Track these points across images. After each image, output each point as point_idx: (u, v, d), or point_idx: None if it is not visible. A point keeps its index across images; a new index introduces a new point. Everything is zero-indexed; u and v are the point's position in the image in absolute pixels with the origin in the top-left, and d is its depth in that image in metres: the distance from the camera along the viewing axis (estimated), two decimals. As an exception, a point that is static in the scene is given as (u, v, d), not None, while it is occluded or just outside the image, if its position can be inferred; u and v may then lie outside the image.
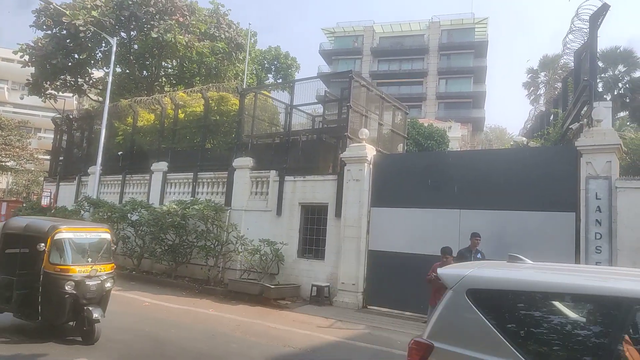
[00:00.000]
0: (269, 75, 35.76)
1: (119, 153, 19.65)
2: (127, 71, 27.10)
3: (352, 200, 12.21)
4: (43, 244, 7.09)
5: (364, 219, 12.07)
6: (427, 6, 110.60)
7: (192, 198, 15.28)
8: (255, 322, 9.69)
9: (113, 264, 8.05)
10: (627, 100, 30.25)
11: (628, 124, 30.52)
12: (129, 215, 15.50)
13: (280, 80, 33.16)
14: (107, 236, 8.07)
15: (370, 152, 12.37)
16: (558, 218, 9.75)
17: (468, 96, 52.59)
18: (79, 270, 7.25)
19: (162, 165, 17.24)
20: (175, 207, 14.15)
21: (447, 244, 9.45)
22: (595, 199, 9.20)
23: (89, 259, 7.59)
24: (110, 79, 20.17)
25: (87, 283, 7.24)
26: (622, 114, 31.14)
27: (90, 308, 7.16)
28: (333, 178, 13.04)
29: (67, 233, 7.47)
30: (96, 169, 18.61)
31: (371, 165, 12.32)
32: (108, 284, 7.67)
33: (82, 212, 17.33)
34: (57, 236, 7.29)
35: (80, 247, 7.68)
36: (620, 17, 62.77)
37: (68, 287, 7.06)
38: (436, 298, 7.41)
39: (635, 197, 8.85)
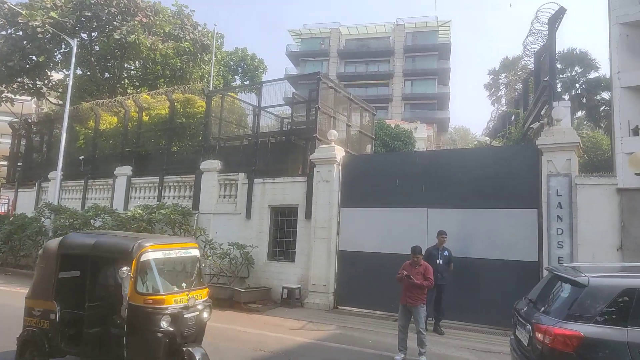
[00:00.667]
0: (235, 77, 35.40)
1: (81, 158, 19.03)
2: (89, 73, 26.29)
3: (322, 202, 12.23)
4: (127, 268, 5.43)
5: (334, 220, 12.11)
6: (392, 9, 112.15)
7: (158, 202, 14.96)
8: (226, 327, 9.55)
9: (207, 288, 6.50)
10: (584, 101, 31.47)
11: (585, 123, 31.82)
12: (91, 221, 15.05)
13: (247, 82, 32.87)
14: (197, 253, 6.54)
15: (339, 153, 12.42)
16: (521, 215, 10.03)
17: (433, 97, 53.59)
18: (175, 301, 5.65)
19: (126, 170, 16.80)
20: (141, 212, 13.83)
21: (415, 243, 9.54)
22: (556, 196, 9.52)
23: (184, 285, 6.07)
24: (70, 81, 19.53)
25: (185, 316, 5.69)
26: (579, 113, 32.40)
27: (190, 349, 5.69)
28: (303, 179, 13.02)
29: (155, 252, 5.80)
30: (57, 175, 17.98)
31: (340, 166, 12.36)
32: (205, 315, 6.11)
33: (43, 219, 16.69)
34: (145, 257, 5.64)
35: (172, 269, 6.26)
36: (576, 20, 65.31)
37: (164, 324, 5.49)
38: (406, 296, 7.50)
39: (594, 193, 9.22)
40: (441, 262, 9.49)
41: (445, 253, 9.72)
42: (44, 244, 7.41)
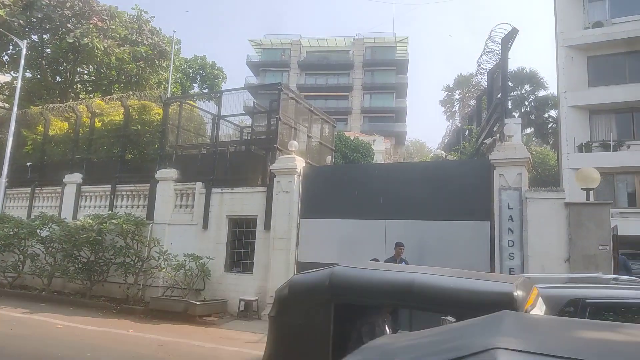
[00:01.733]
0: (194, 84, 34.90)
1: (28, 164, 18.09)
2: (39, 76, 25.15)
3: (282, 212, 12.15)
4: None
5: (294, 231, 12.04)
6: (351, 23, 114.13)
7: (109, 212, 14.39)
8: (180, 342, 9.25)
9: None
10: (533, 118, 33.01)
11: (534, 139, 33.35)
12: (38, 231, 14.29)
13: (206, 90, 32.43)
14: None
15: (300, 164, 12.41)
16: (475, 227, 10.33)
17: (391, 111, 54.75)
18: None
19: (76, 177, 16.11)
20: (91, 221, 13.25)
21: (374, 254, 9.70)
22: (507, 209, 9.87)
23: None
24: (19, 84, 18.63)
25: None
26: (528, 130, 33.93)
27: None
28: (262, 190, 12.90)
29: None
30: (1, 181, 17.02)
31: (301, 177, 12.34)
32: None
33: (-16, 228, 15.66)
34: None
35: None
36: (525, 41, 68.56)
37: None
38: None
39: (543, 206, 9.62)
40: None
41: (403, 264, 9.85)
42: (287, 281, 4.30)
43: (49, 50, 24.03)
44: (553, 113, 31.84)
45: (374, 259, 7.88)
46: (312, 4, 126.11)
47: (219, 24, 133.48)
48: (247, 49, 76.37)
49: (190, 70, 34.70)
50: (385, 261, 9.58)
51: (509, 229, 9.77)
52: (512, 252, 9.65)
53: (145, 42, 25.06)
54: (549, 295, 5.09)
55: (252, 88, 26.65)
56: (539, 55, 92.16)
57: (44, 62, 24.15)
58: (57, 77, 25.98)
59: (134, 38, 24.82)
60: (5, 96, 25.98)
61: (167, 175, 14.24)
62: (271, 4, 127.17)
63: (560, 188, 10.38)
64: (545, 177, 24.31)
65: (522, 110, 33.32)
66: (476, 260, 10.08)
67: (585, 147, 20.25)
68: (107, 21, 23.69)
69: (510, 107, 30.29)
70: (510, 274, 9.30)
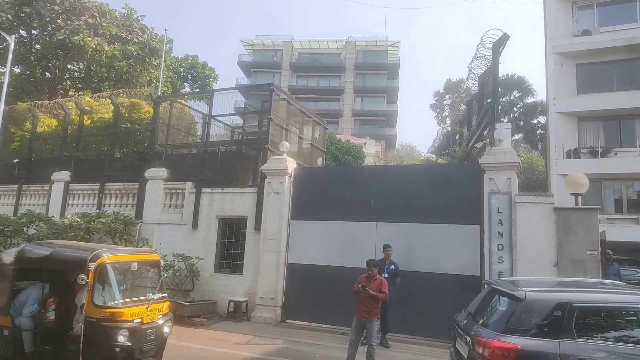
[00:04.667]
0: (185, 84, 34.70)
1: (15, 161, 17.83)
2: (28, 72, 24.85)
3: (273, 213, 12.11)
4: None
5: (284, 232, 12.00)
6: (343, 26, 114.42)
7: (98, 210, 14.24)
8: (168, 342, 9.14)
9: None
10: (521, 124, 33.35)
11: (522, 145, 33.66)
12: (24, 229, 14.08)
13: (197, 90, 32.27)
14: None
15: (291, 165, 12.38)
16: (464, 230, 10.38)
17: (382, 114, 54.93)
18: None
19: (64, 175, 15.92)
20: (79, 220, 13.10)
21: (364, 256, 9.65)
22: (497, 213, 9.94)
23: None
24: (6, 79, 18.33)
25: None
26: (516, 136, 34.25)
27: None
28: (253, 190, 12.85)
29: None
30: (-14, 178, 16.76)
31: (292, 178, 12.32)
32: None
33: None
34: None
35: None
36: (515, 47, 69.24)
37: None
38: (361, 310, 7.51)
39: (532, 211, 9.70)
40: (386, 275, 9.60)
41: (392, 267, 9.88)
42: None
43: (38, 46, 23.76)
44: (542, 119, 32.21)
45: (370, 260, 7.89)
46: (304, 7, 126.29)
47: (211, 24, 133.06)
48: (239, 50, 76.24)
49: (182, 70, 34.51)
50: (367, 262, 9.48)
51: (499, 232, 9.84)
52: (502, 255, 9.71)
53: (135, 40, 24.86)
54: (537, 298, 5.14)
55: (243, 88, 26.60)
56: (528, 61, 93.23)
57: (33, 58, 23.87)
58: (47, 74, 25.69)
59: (124, 36, 24.61)
60: (-8, 92, 25.60)
61: (156, 174, 14.13)
62: (264, 6, 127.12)
63: (548, 193, 10.46)
64: (534, 183, 24.56)
65: (511, 116, 33.66)
66: (466, 263, 10.14)
67: (573, 154, 20.49)
68: (97, 18, 23.47)
69: (499, 112, 30.59)
70: (499, 277, 9.37)
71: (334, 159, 23.06)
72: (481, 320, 5.51)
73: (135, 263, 6.01)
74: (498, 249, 9.79)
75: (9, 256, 6.36)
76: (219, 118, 15.72)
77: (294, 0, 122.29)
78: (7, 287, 6.00)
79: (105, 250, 5.70)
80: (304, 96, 51.18)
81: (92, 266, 5.28)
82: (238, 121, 17.34)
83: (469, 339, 5.27)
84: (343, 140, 26.86)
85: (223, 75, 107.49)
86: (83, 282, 5.12)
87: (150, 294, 6.03)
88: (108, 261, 5.47)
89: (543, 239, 9.51)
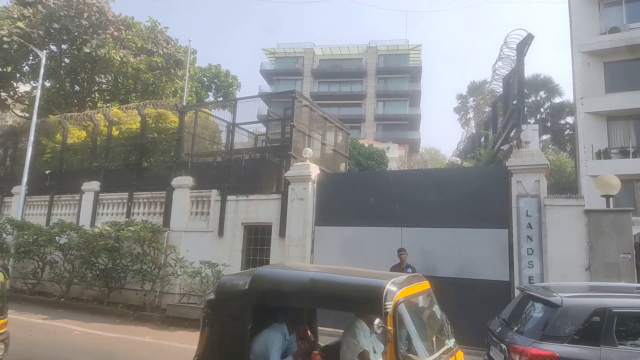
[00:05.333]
0: (209, 93, 35.20)
1: (47, 172, 18.38)
2: (58, 86, 25.62)
3: (297, 220, 12.14)
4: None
5: (309, 238, 12.02)
6: (364, 31, 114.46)
7: (127, 219, 14.53)
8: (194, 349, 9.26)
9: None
10: (548, 124, 32.62)
11: (550, 146, 32.95)
12: (56, 238, 14.47)
13: (221, 99, 32.71)
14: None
15: (314, 171, 12.41)
16: (492, 234, 10.20)
17: (404, 118, 54.60)
18: None
19: (94, 185, 16.33)
20: (108, 228, 13.40)
21: (389, 262, 9.64)
22: (526, 216, 9.73)
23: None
24: (38, 93, 18.96)
25: None
26: (544, 137, 33.55)
27: None
28: (277, 197, 12.92)
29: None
30: (21, 189, 17.28)
31: (315, 184, 12.34)
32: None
33: (4, 235, 15.94)
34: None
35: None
36: (540, 47, 67.98)
37: None
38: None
39: (562, 214, 9.46)
40: None
41: (409, 270, 9.70)
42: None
43: (67, 60, 24.49)
44: (570, 119, 31.49)
45: (396, 265, 7.83)
46: (325, 14, 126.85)
47: (232, 33, 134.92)
48: (261, 58, 77.09)
49: (205, 79, 35.03)
50: (390, 269, 9.44)
51: (528, 236, 9.63)
52: (532, 260, 9.50)
53: (160, 51, 25.38)
54: (574, 304, 5.00)
55: (266, 96, 26.84)
56: (553, 61, 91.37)
57: (62, 71, 24.60)
58: (76, 87, 26.43)
59: (149, 48, 25.17)
60: (25, 105, 26.50)
61: (183, 182, 14.35)
62: (285, 14, 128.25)
63: (579, 195, 10.20)
64: (563, 185, 23.98)
65: (538, 117, 32.99)
66: (494, 268, 9.96)
67: (603, 154, 19.94)
68: (122, 31, 24.06)
69: (525, 113, 30.03)
70: (529, 282, 9.16)
71: (357, 164, 23.01)
72: (516, 327, 5.40)
73: (421, 297, 4.45)
74: (527, 253, 9.57)
75: (237, 284, 4.44)
76: (242, 126, 15.90)
77: (313, 8, 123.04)
78: (243, 331, 4.29)
79: (393, 283, 3.91)
80: (326, 102, 51.33)
81: (390, 306, 3.66)
82: (261, 129, 17.50)
83: (504, 346, 5.17)
84: (366, 145, 26.79)
85: (246, 84, 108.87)
86: (380, 330, 3.59)
87: (447, 340, 4.50)
88: (402, 298, 3.85)
89: (574, 243, 9.27)
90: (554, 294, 5.22)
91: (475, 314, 9.38)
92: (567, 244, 9.29)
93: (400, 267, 9.65)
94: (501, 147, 13.75)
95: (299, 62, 58.20)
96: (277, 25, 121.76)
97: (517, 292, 7.42)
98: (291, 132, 13.59)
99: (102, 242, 13.24)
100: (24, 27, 21.16)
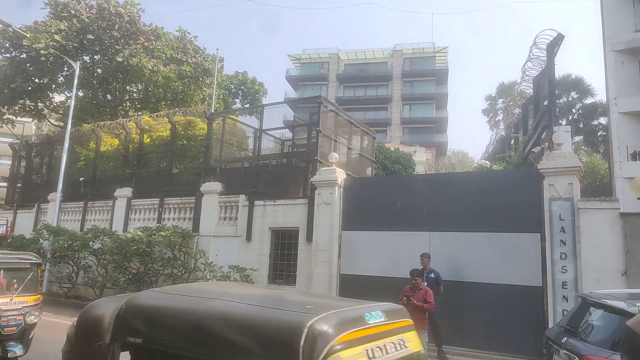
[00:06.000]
0: (236, 100, 35.72)
1: (81, 179, 19.00)
2: (91, 95, 26.48)
3: (323, 224, 12.16)
4: None
5: (335, 243, 12.02)
6: (389, 35, 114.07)
7: (158, 224, 14.87)
8: None
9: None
10: (581, 126, 31.76)
11: (583, 148, 32.05)
12: (90, 243, 14.92)
13: (247, 105, 33.15)
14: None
15: (341, 175, 12.42)
16: (524, 239, 9.98)
17: (431, 121, 54.08)
18: None
19: (126, 191, 16.77)
20: (140, 234, 13.73)
21: (417, 267, 9.51)
22: (559, 220, 9.48)
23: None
24: (72, 103, 19.62)
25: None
26: (576, 138, 32.66)
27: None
28: (304, 202, 12.99)
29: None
30: (56, 196, 17.90)
31: (341, 189, 12.34)
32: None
33: (41, 240, 16.54)
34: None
35: None
36: (571, 47, 66.42)
37: None
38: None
39: (596, 217, 9.19)
40: (426, 284, 9.28)
41: (432, 275, 9.50)
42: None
43: (99, 70, 25.29)
44: (603, 120, 30.56)
45: (414, 270, 7.75)
46: (350, 19, 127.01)
47: (258, 40, 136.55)
48: (286, 64, 77.74)
49: (232, 86, 35.55)
50: (410, 272, 9.20)
51: (561, 240, 9.39)
52: (565, 265, 9.24)
53: (189, 60, 25.93)
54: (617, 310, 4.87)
55: (292, 102, 27.02)
56: (583, 61, 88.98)
57: (95, 81, 25.41)
58: (108, 96, 27.25)
59: (179, 57, 25.76)
60: (60, 115, 27.47)
61: (211, 188, 14.59)
62: (310, 20, 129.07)
63: (613, 198, 9.89)
64: (596, 187, 23.24)
65: (570, 118, 32.14)
66: (526, 273, 9.74)
67: (639, 155, 19.26)
68: (153, 41, 24.70)
69: (556, 115, 29.31)
70: (563, 288, 8.93)
71: (383, 168, 22.88)
72: (581, 336, 5.29)
73: (389, 344, 2.95)
74: (561, 258, 9.32)
75: (101, 312, 3.27)
76: (269, 132, 16.08)
77: (339, 13, 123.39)
78: None
79: (326, 318, 2.61)
80: (352, 106, 51.30)
81: (317, 358, 2.41)
82: (288, 134, 17.65)
83: (575, 357, 5.06)
84: (392, 148, 26.62)
85: (272, 90, 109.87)
86: None
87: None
88: (340, 344, 2.52)
89: (609, 247, 8.98)
90: (628, 303, 5.09)
91: (507, 319, 9.23)
92: (602, 248, 9.02)
93: (421, 273, 9.50)
94: (532, 150, 13.50)
95: (324, 67, 58.43)
96: (303, 32, 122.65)
97: (577, 300, 6.95)
98: (317, 137, 13.65)
99: (135, 247, 13.57)
100: (60, 40, 21.98)
